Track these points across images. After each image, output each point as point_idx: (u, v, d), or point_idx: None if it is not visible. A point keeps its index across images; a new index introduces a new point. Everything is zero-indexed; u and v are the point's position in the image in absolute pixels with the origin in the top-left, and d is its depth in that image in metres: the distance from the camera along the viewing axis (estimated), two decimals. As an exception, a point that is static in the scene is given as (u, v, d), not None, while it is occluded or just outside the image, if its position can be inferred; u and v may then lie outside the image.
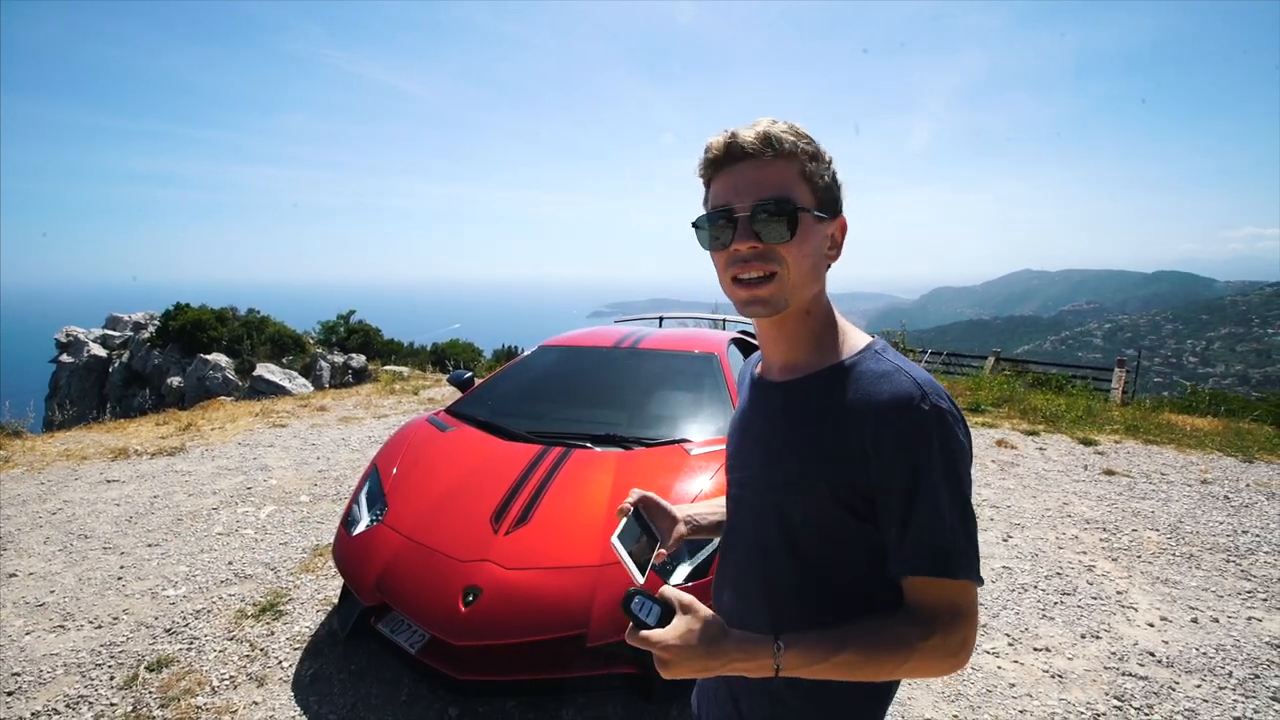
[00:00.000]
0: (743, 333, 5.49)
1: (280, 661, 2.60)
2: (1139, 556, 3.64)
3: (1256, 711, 2.36)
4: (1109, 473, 5.06)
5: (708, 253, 0.87)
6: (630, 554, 0.91)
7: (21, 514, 4.03)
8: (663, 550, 1.01)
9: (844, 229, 0.87)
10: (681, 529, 1.06)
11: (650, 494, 1.05)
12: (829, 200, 0.84)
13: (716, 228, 0.82)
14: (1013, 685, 2.51)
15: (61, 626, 2.82)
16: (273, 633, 2.79)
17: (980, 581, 0.78)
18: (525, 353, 3.94)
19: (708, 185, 0.86)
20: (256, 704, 2.35)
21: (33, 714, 2.29)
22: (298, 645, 2.70)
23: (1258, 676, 2.57)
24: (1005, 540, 3.82)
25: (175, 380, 18.92)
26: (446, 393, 8.34)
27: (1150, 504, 4.41)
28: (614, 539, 0.93)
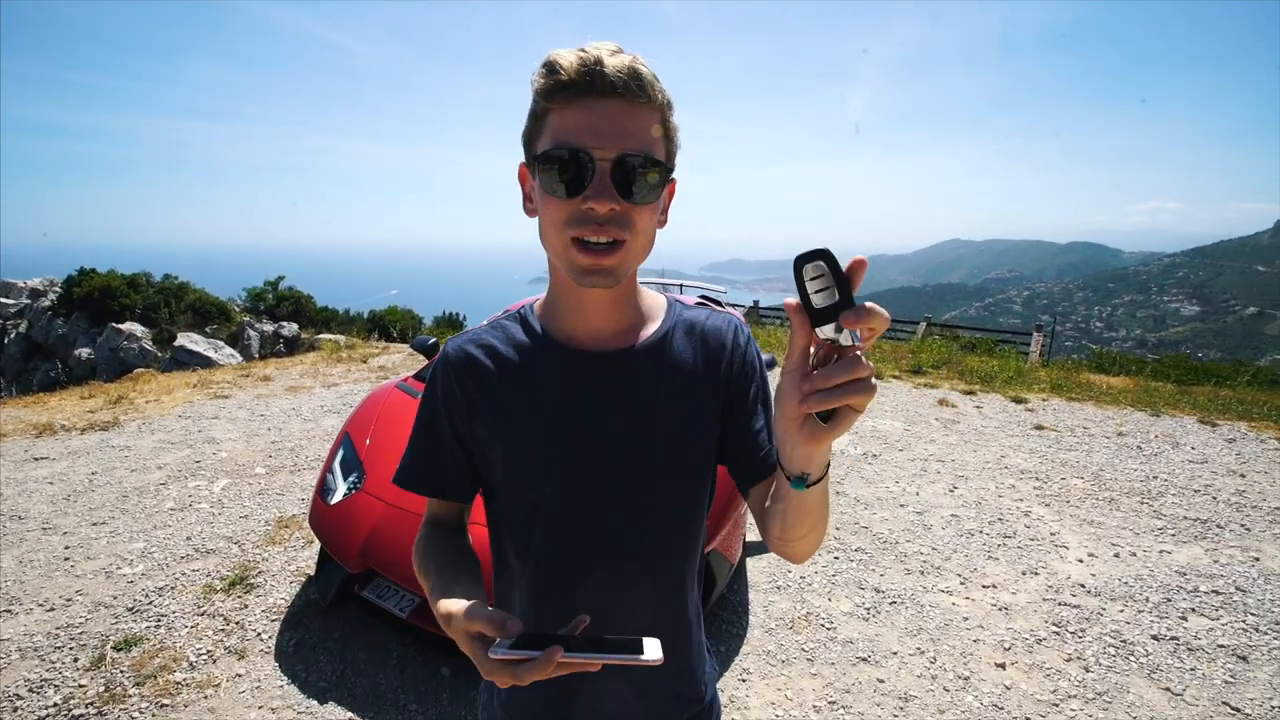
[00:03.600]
0: (703, 298, 5.57)
1: (259, 634, 2.54)
2: (1068, 502, 4.00)
3: (1170, 629, 2.69)
4: (1039, 428, 5.49)
5: (532, 198, 0.74)
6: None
7: (-62, 496, 3.70)
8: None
9: (673, 193, 0.79)
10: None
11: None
12: (674, 159, 0.74)
13: (565, 171, 0.67)
14: (966, 619, 2.76)
15: (8, 611, 2.65)
16: (246, 606, 2.71)
17: None
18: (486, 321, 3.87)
19: (544, 113, 0.69)
20: (240, 676, 2.31)
21: (-8, 700, 2.17)
22: (274, 617, 2.64)
23: (1169, 600, 2.91)
24: (952, 491, 4.12)
25: (84, 352, 17.46)
26: (397, 360, 8.09)
27: (1075, 455, 4.84)
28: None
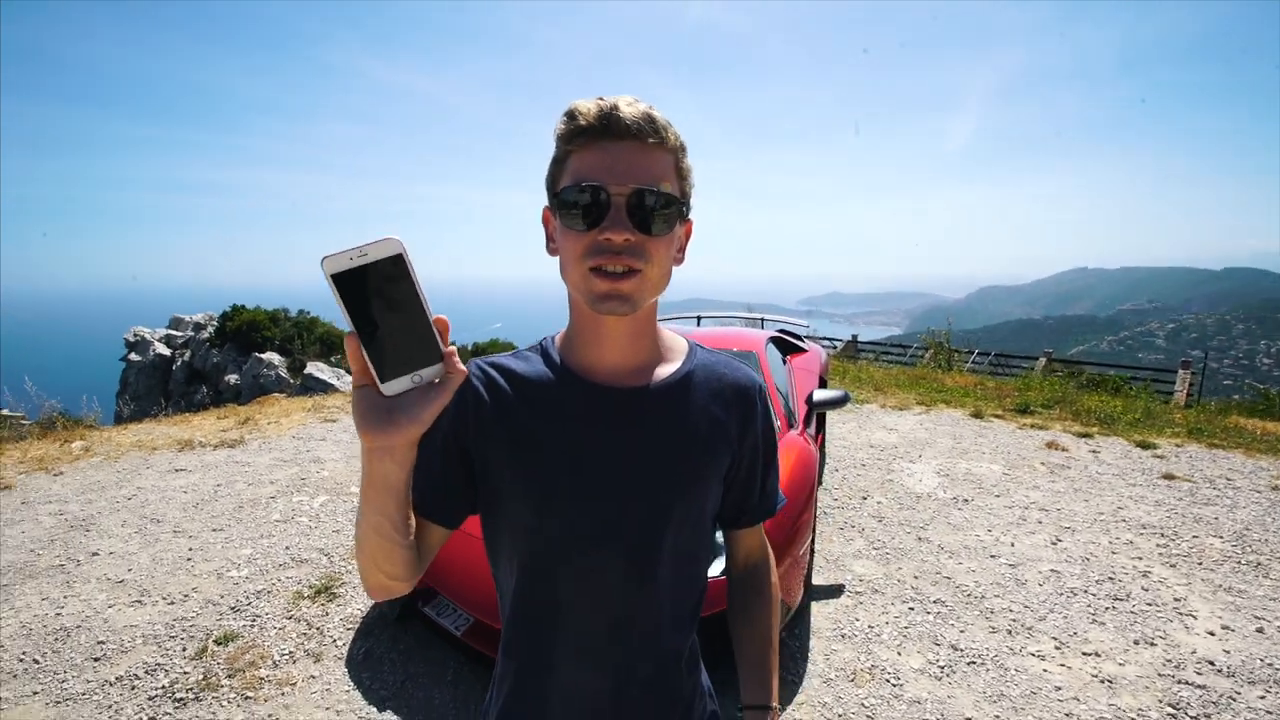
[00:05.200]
0: (781, 331, 5.47)
1: (335, 640, 2.74)
2: (1200, 563, 3.48)
3: (1326, 725, 2.25)
4: (1169, 477, 4.84)
5: (556, 234, 0.77)
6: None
7: (101, 499, 4.33)
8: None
9: (689, 232, 0.83)
10: None
11: None
12: (689, 199, 0.79)
13: (583, 207, 0.72)
14: (1059, 688, 2.45)
15: (139, 601, 3.04)
16: (327, 613, 2.94)
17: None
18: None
19: (565, 156, 0.75)
20: (314, 678, 2.49)
21: (116, 678, 2.48)
22: (350, 625, 2.84)
23: (1329, 689, 2.44)
24: (1054, 543, 3.71)
25: (232, 378, 19.87)
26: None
27: (1214, 510, 4.21)
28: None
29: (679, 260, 0.80)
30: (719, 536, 0.95)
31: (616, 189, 0.71)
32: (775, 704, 0.90)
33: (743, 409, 0.88)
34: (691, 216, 0.81)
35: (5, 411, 7.48)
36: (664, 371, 0.84)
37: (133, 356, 23.41)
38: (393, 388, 0.60)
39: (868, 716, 2.31)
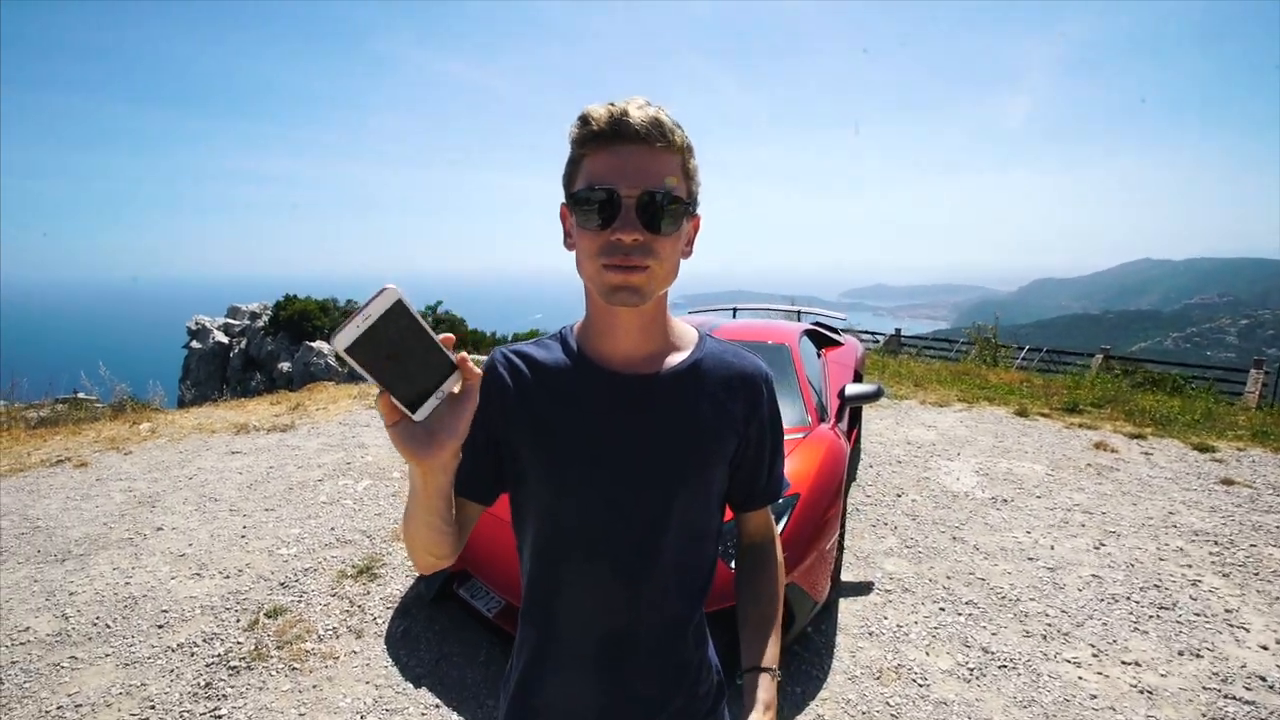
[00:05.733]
0: (816, 324, 5.41)
1: (375, 618, 2.88)
2: (1256, 574, 3.32)
3: (1386, 748, 2.14)
4: (1227, 482, 4.60)
5: (573, 230, 0.82)
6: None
7: (165, 477, 4.62)
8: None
9: (697, 228, 0.88)
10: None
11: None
12: (695, 197, 0.84)
13: (595, 208, 0.77)
14: (1094, 697, 2.39)
15: (198, 574, 3.25)
16: (369, 592, 3.08)
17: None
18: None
19: (579, 158, 0.80)
20: (355, 653, 2.63)
21: (178, 644, 2.67)
22: (390, 605, 2.98)
23: (1392, 711, 2.31)
24: (1097, 548, 3.59)
25: (285, 365, 20.73)
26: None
27: (1275, 518, 3.99)
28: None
29: (687, 254, 0.86)
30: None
31: (627, 191, 0.76)
32: (774, 666, 0.93)
33: (749, 395, 0.92)
34: (699, 212, 0.86)
35: (81, 395, 8.02)
36: (674, 360, 0.89)
37: (194, 344, 24.67)
38: (423, 412, 0.66)
39: (892, 715, 2.31)
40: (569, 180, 0.82)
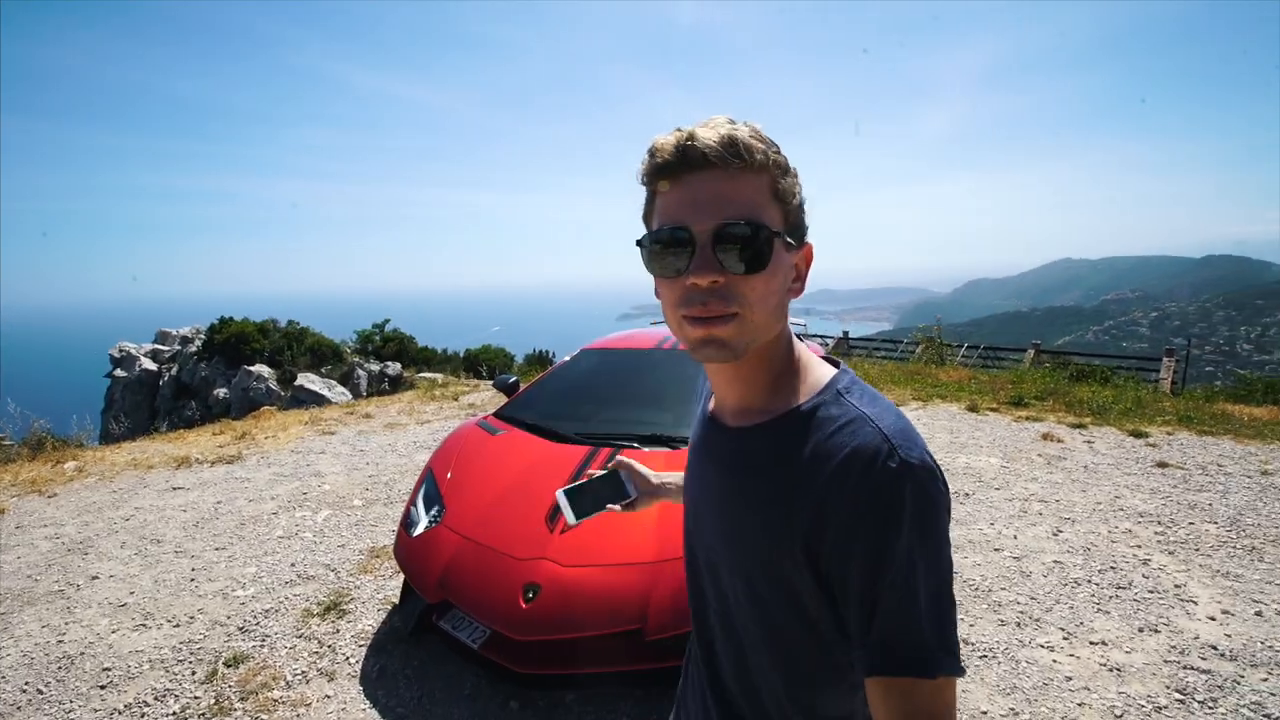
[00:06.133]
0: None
1: (347, 658, 2.72)
2: (1197, 550, 3.54)
3: (1330, 706, 2.30)
4: (1162, 465, 4.92)
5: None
6: (576, 505, 1.08)
7: (98, 520, 4.27)
8: (614, 507, 1.09)
9: (809, 259, 0.75)
10: (649, 498, 1.12)
11: (632, 462, 1.14)
12: (798, 224, 0.71)
13: (668, 251, 0.67)
14: (1069, 679, 2.49)
15: (143, 625, 3.00)
16: (338, 630, 2.92)
17: (961, 673, 0.64)
18: (567, 357, 4.03)
19: (653, 197, 0.71)
20: (329, 698, 2.47)
21: (125, 706, 2.45)
22: (362, 642, 2.82)
23: (1330, 671, 2.49)
24: (1055, 535, 3.76)
25: (221, 392, 19.60)
26: (486, 397, 8.51)
27: (1208, 496, 4.28)
28: (560, 491, 1.08)
29: (796, 291, 0.73)
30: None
31: (699, 227, 0.65)
32: None
33: (842, 487, 0.65)
34: (810, 239, 0.74)
35: (-8, 434, 7.35)
36: (764, 415, 0.75)
37: (118, 373, 23.04)
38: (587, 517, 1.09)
39: (884, 715, 2.33)
40: (647, 223, 0.72)
